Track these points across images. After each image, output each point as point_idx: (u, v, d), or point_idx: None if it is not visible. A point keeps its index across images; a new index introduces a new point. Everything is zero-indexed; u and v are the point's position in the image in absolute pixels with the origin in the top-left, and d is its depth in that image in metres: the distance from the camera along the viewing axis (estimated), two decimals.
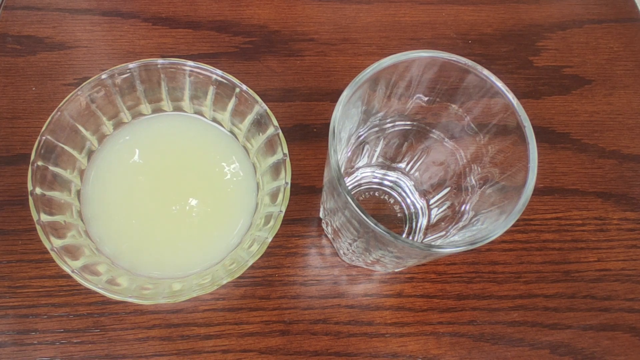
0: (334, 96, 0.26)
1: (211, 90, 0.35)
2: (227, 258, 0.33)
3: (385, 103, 0.31)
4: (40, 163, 0.31)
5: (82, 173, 0.35)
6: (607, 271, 0.38)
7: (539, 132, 0.26)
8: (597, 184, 0.41)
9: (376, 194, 0.39)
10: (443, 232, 0.33)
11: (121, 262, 0.33)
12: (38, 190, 0.31)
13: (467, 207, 0.31)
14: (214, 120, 0.37)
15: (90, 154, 0.35)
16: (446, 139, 0.33)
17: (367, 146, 0.35)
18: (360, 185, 0.39)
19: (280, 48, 0.44)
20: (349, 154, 0.35)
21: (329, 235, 0.37)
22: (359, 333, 0.36)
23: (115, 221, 0.34)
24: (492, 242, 0.25)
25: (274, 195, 0.33)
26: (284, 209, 0.31)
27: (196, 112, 0.37)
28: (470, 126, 0.31)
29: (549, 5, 0.48)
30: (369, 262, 0.33)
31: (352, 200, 0.25)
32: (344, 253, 0.35)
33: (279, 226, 0.31)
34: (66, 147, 0.33)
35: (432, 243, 0.25)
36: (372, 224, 0.24)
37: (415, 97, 0.31)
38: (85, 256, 0.31)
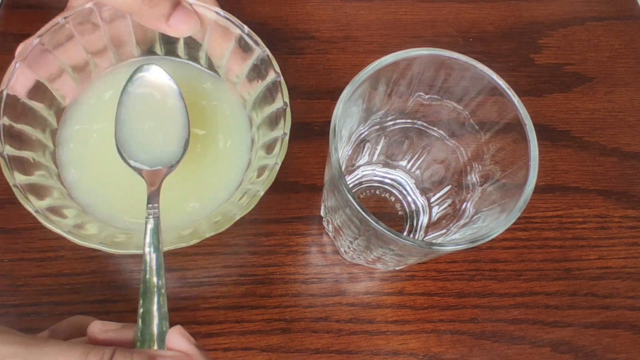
0: (335, 94, 0.26)
1: (208, 31, 0.33)
2: (214, 212, 0.31)
3: (386, 101, 0.31)
4: (10, 92, 0.29)
5: (59, 112, 0.33)
6: (608, 269, 0.38)
7: (539, 129, 0.26)
8: (598, 182, 0.41)
9: (377, 192, 0.39)
10: (444, 230, 0.33)
11: (95, 212, 0.31)
12: (6, 120, 0.29)
13: (468, 205, 0.31)
14: (209, 67, 0.35)
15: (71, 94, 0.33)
16: (447, 137, 0.33)
17: (368, 144, 0.35)
18: (361, 183, 0.39)
19: (281, 46, 0.44)
20: (350, 152, 0.35)
21: (330, 234, 0.37)
22: (360, 331, 0.36)
23: (92, 168, 0.32)
24: (493, 240, 0.25)
25: (269, 147, 0.31)
26: (280, 161, 0.30)
27: (190, 58, 0.35)
28: (471, 124, 0.31)
29: (550, 3, 0.48)
30: (370, 260, 0.33)
31: (353, 199, 0.25)
32: (345, 251, 0.35)
33: (273, 179, 0.29)
34: (43, 81, 0.31)
35: (433, 241, 0.25)
36: (373, 222, 0.24)
37: (416, 95, 0.31)
38: (53, 198, 0.29)
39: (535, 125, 0.26)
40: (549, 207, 0.40)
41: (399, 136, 0.35)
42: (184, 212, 0.32)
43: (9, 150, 0.29)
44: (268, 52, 0.32)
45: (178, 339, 0.23)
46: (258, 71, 0.33)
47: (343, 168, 0.25)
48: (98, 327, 0.24)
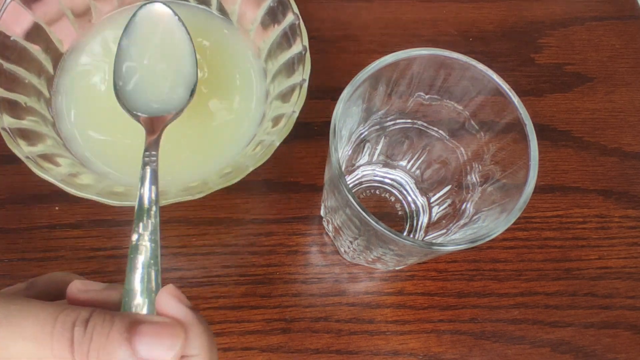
0: (335, 94, 0.26)
1: None
2: (223, 166, 0.29)
3: (386, 101, 0.31)
4: (2, 29, 0.27)
5: (57, 59, 0.31)
6: (608, 269, 0.38)
7: (540, 129, 0.26)
8: (598, 182, 0.41)
9: (377, 192, 0.39)
10: (444, 230, 0.33)
11: (92, 165, 0.29)
12: None
13: (468, 205, 0.31)
14: (221, 12, 0.33)
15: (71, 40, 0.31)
16: (447, 137, 0.33)
17: (368, 144, 0.35)
18: (361, 183, 0.39)
19: None
20: (350, 152, 0.35)
21: (330, 234, 0.37)
22: (360, 331, 0.36)
23: (90, 119, 0.30)
24: (493, 240, 0.25)
25: (286, 96, 0.29)
26: (298, 110, 0.27)
27: (200, 2, 0.33)
28: (471, 124, 0.31)
29: (551, 3, 0.48)
30: (370, 260, 0.33)
31: (353, 199, 0.25)
32: (345, 251, 0.35)
33: (290, 129, 0.27)
34: (40, 22, 0.29)
35: (433, 241, 0.25)
36: (373, 222, 0.24)
37: (416, 95, 0.31)
38: (46, 145, 0.27)
39: (535, 125, 0.26)
40: (549, 207, 0.40)
41: (399, 136, 0.35)
42: (192, 166, 0.30)
43: None
44: None
45: (169, 300, 0.19)
46: (274, 15, 0.30)
47: (343, 168, 0.25)
48: (77, 287, 0.20)
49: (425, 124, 0.33)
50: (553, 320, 0.37)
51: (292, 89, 0.29)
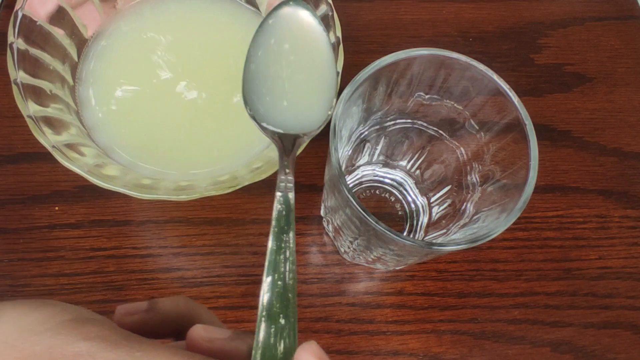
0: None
1: None
2: (253, 159, 0.28)
3: (386, 101, 0.31)
4: (26, 13, 0.26)
5: (81, 45, 0.30)
6: (608, 269, 0.38)
7: (539, 130, 0.26)
8: (598, 182, 0.41)
9: (377, 192, 0.39)
10: (444, 230, 0.33)
11: (115, 156, 0.28)
12: (21, 43, 0.26)
13: (468, 205, 0.31)
14: (249, 1, 0.32)
15: (97, 28, 0.30)
16: (447, 137, 0.33)
17: (368, 144, 0.35)
18: (361, 183, 0.39)
19: None
20: (350, 152, 0.35)
21: (330, 234, 0.37)
22: (360, 331, 0.36)
23: (114, 108, 0.29)
24: (493, 240, 0.25)
25: None
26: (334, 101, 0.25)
27: None
28: (471, 124, 0.31)
29: (550, 3, 0.48)
30: (370, 260, 0.33)
31: (353, 199, 0.25)
32: (345, 251, 0.35)
33: (325, 123, 0.25)
34: (64, 5, 0.28)
35: (433, 241, 0.25)
36: (373, 222, 0.24)
37: (416, 95, 0.31)
38: (71, 134, 0.26)
39: (535, 125, 0.26)
40: (549, 207, 0.40)
41: (399, 136, 0.35)
42: (221, 160, 0.29)
43: (23, 76, 0.25)
44: None
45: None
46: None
47: (343, 168, 0.25)
48: (201, 334, 0.18)
49: (425, 124, 0.33)
50: (553, 320, 0.37)
51: None
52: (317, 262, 0.37)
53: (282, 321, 0.18)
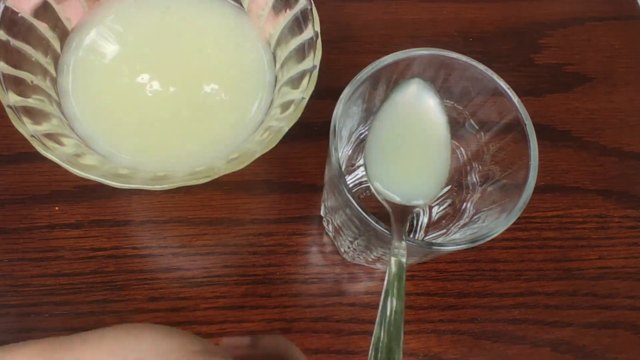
0: (335, 94, 0.26)
1: None
2: (230, 151, 0.29)
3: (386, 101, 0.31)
4: (9, 5, 0.27)
5: (64, 37, 0.31)
6: (608, 269, 0.38)
7: (540, 130, 0.26)
8: (598, 182, 0.41)
9: None
10: (444, 230, 0.33)
11: (96, 146, 0.29)
12: (2, 35, 0.26)
13: (468, 205, 0.31)
14: None
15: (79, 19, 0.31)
16: None
17: None
18: (361, 183, 0.39)
19: None
20: (350, 152, 0.35)
21: (330, 234, 0.37)
22: (360, 331, 0.36)
23: (95, 100, 0.30)
24: (493, 240, 0.25)
25: (296, 82, 0.29)
26: (307, 96, 0.27)
27: None
28: (471, 124, 0.31)
29: (550, 3, 0.48)
30: (370, 260, 0.33)
31: (353, 199, 0.25)
32: (344, 251, 0.35)
33: (298, 115, 0.27)
34: (50, 1, 0.29)
35: (433, 241, 0.25)
36: (373, 222, 0.24)
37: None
38: (52, 124, 0.27)
39: (535, 125, 0.26)
40: (549, 207, 0.40)
41: None
42: (199, 153, 0.30)
43: (3, 67, 0.26)
44: None
45: None
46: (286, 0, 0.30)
47: (343, 168, 0.25)
48: None
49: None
50: (553, 320, 0.37)
51: (302, 75, 0.29)
52: (317, 262, 0.37)
53: None
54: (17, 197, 0.37)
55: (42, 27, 0.30)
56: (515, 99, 0.27)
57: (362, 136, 0.34)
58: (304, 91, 0.27)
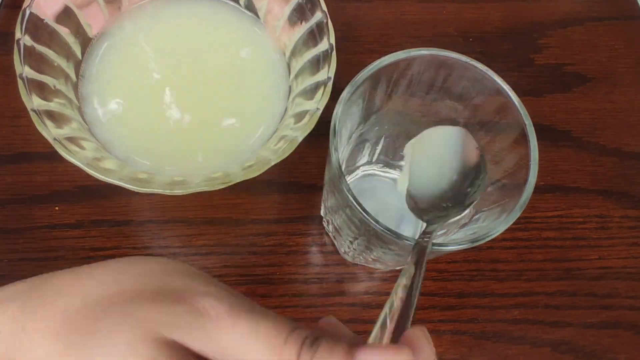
0: (335, 94, 0.26)
1: None
2: (245, 159, 0.29)
3: (386, 101, 0.31)
4: (34, 11, 0.28)
5: (85, 44, 0.32)
6: (608, 269, 0.38)
7: (539, 130, 0.26)
8: (598, 182, 0.41)
9: None
10: (444, 230, 0.33)
11: (116, 152, 0.29)
12: (27, 40, 0.27)
13: None
14: (249, 7, 0.33)
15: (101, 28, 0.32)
16: None
17: (367, 144, 0.35)
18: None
19: None
20: (350, 152, 0.35)
21: (330, 234, 0.37)
22: (360, 331, 0.35)
23: (116, 105, 0.30)
24: (493, 240, 0.25)
25: (310, 93, 0.30)
26: (321, 107, 0.28)
27: None
28: (471, 124, 0.31)
29: (550, 3, 0.48)
30: (370, 260, 0.33)
31: (353, 199, 0.25)
32: (345, 251, 0.35)
33: (313, 125, 0.28)
34: (71, 5, 0.30)
35: (433, 241, 0.25)
36: (373, 222, 0.24)
37: (416, 95, 0.31)
38: (72, 128, 0.28)
39: (535, 125, 0.26)
40: (549, 207, 0.40)
41: (399, 136, 0.35)
42: (214, 159, 0.31)
43: (28, 72, 0.27)
44: None
45: (419, 335, 0.19)
46: (302, 12, 0.31)
47: (343, 168, 0.25)
48: (331, 322, 0.22)
49: (425, 124, 0.33)
50: (553, 320, 0.37)
51: (316, 87, 0.29)
52: (317, 262, 0.37)
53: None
54: (17, 197, 0.37)
55: (64, 32, 0.30)
56: (515, 99, 0.27)
57: (362, 136, 0.34)
58: (319, 102, 0.28)
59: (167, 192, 0.26)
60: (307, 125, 0.28)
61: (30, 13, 0.28)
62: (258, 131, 0.32)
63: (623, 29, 0.47)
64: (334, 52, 0.29)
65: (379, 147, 0.36)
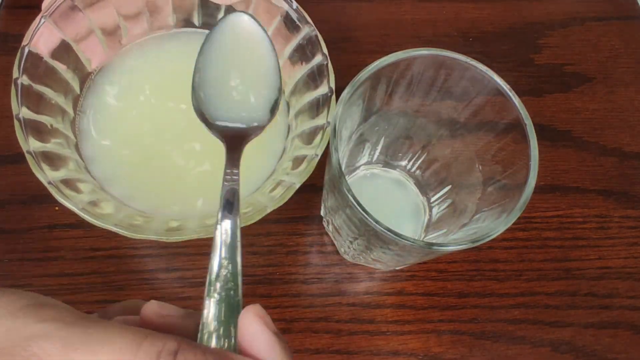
0: (335, 94, 0.26)
1: (252, 3, 0.30)
2: (243, 203, 0.29)
3: (386, 101, 0.31)
4: (32, 50, 0.27)
5: (83, 78, 0.31)
6: (608, 269, 0.38)
7: (540, 130, 0.26)
8: (598, 182, 0.41)
9: None
10: (444, 230, 0.33)
11: (112, 189, 0.29)
12: (25, 79, 0.26)
13: (468, 205, 0.31)
14: None
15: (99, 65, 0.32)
16: (447, 137, 0.33)
17: (367, 144, 0.35)
18: None
19: None
20: (350, 152, 0.35)
21: (330, 234, 0.37)
22: (360, 331, 0.36)
23: (113, 141, 0.30)
24: (493, 240, 0.25)
25: (308, 136, 0.29)
26: (320, 153, 0.27)
27: None
28: (471, 124, 0.31)
29: (550, 3, 0.48)
30: (370, 260, 0.33)
31: (353, 199, 0.25)
32: (345, 251, 0.35)
33: (311, 171, 0.27)
34: (69, 41, 0.29)
35: (433, 241, 0.25)
36: (373, 222, 0.24)
37: (416, 95, 0.31)
38: (69, 169, 0.27)
39: (535, 125, 0.26)
40: (549, 207, 0.40)
41: (399, 136, 0.35)
42: (211, 201, 0.30)
43: (25, 112, 0.26)
44: (316, 31, 0.29)
45: (253, 323, 0.18)
46: (303, 52, 0.30)
47: (343, 168, 0.25)
48: (155, 309, 0.19)
49: (425, 124, 0.33)
50: (553, 320, 0.37)
51: (314, 131, 0.29)
52: (317, 262, 0.37)
53: (227, 299, 0.19)
54: (17, 197, 0.37)
55: (62, 68, 0.30)
56: (515, 99, 0.27)
57: (362, 136, 0.34)
58: (317, 147, 0.28)
59: (163, 239, 0.25)
60: (305, 172, 0.27)
61: (29, 52, 0.28)
62: (256, 171, 0.31)
63: (623, 28, 0.47)
64: (334, 96, 0.29)
65: (379, 147, 0.36)
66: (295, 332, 0.35)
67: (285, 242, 0.37)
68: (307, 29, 0.30)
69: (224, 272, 0.20)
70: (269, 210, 0.27)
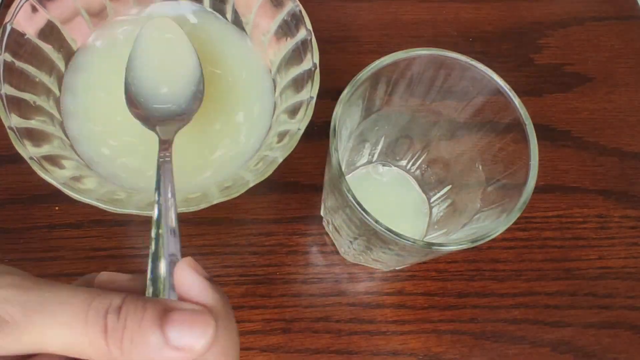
0: (335, 94, 0.26)
1: None
2: (226, 178, 0.29)
3: (386, 101, 0.31)
4: (15, 27, 0.27)
5: (69, 57, 0.31)
6: (608, 269, 0.38)
7: (539, 130, 0.26)
8: (598, 182, 0.41)
9: None
10: (444, 230, 0.33)
11: (98, 167, 0.29)
12: (7, 56, 0.26)
13: (469, 205, 0.31)
14: (236, 21, 0.33)
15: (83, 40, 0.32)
16: (447, 137, 0.33)
17: (367, 144, 0.35)
18: None
19: None
20: (350, 152, 0.35)
21: (330, 234, 0.37)
22: (360, 331, 0.36)
23: (98, 120, 0.30)
24: (493, 240, 0.25)
25: (293, 112, 0.30)
26: (303, 127, 0.28)
27: (216, 10, 0.34)
28: (471, 124, 0.31)
29: (550, 3, 0.48)
30: (370, 260, 0.33)
31: (353, 199, 0.25)
32: (345, 251, 0.35)
33: (294, 146, 0.27)
34: (54, 21, 0.29)
35: (433, 241, 0.25)
36: (373, 222, 0.24)
37: (416, 95, 0.31)
38: (53, 146, 0.28)
39: (535, 125, 0.26)
40: (549, 207, 0.40)
41: (399, 136, 0.35)
42: (193, 176, 0.31)
43: (7, 89, 0.26)
44: (300, 6, 0.30)
45: (185, 271, 0.19)
46: (287, 28, 0.31)
47: (343, 168, 0.25)
48: (104, 278, 0.21)
49: (425, 124, 0.33)
50: (553, 320, 0.37)
51: (299, 105, 0.29)
52: (317, 262, 0.37)
53: (168, 260, 0.21)
54: (17, 197, 0.37)
55: (47, 48, 0.30)
56: (515, 99, 0.27)
57: (362, 136, 0.34)
58: (300, 122, 0.28)
59: (143, 212, 0.26)
60: (287, 146, 0.27)
61: (12, 29, 0.28)
62: (241, 149, 0.31)
63: (623, 28, 0.47)
64: (317, 71, 0.29)
65: (379, 147, 0.36)
66: (295, 332, 0.35)
67: (286, 242, 0.37)
68: (291, 4, 0.30)
69: (161, 232, 0.22)
70: (251, 184, 0.27)
